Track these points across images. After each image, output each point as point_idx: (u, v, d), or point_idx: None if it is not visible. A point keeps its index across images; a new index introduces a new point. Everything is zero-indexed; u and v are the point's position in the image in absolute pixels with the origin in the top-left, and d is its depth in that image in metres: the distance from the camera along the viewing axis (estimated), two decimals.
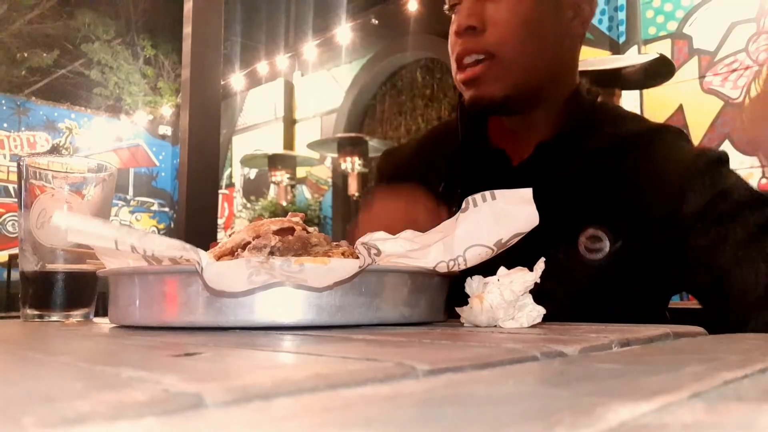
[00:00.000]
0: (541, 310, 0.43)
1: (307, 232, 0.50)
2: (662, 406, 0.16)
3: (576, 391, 0.18)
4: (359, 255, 0.43)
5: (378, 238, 0.44)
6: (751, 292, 0.64)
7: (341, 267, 0.40)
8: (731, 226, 0.67)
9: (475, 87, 0.77)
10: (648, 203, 0.71)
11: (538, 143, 0.77)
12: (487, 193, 0.44)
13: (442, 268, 0.45)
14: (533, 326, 0.43)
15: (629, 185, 0.73)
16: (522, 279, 0.42)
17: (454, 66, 0.80)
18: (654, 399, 0.17)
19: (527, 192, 0.44)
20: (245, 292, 0.39)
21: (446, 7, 0.80)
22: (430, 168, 0.87)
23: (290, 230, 0.49)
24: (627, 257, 0.70)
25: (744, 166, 3.09)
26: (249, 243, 0.47)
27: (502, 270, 0.45)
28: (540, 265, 0.43)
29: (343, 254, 0.46)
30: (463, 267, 0.45)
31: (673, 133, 0.78)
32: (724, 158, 0.73)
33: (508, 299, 0.42)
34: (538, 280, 0.43)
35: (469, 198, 0.45)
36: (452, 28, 0.78)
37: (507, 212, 0.43)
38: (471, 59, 0.76)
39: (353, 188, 4.20)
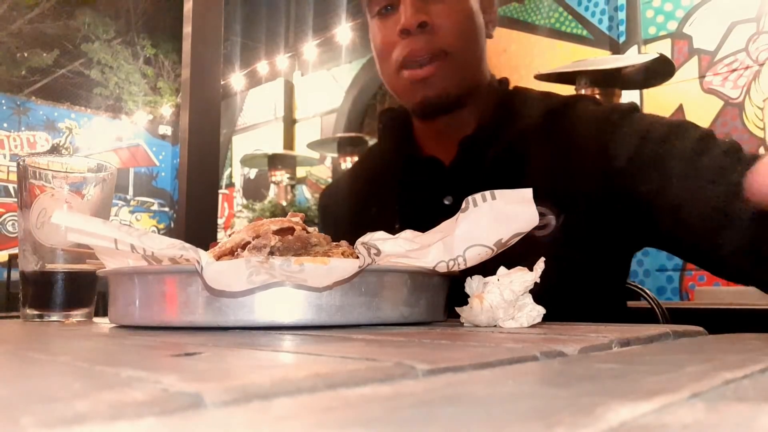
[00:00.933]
0: (541, 310, 0.43)
1: (307, 232, 0.50)
2: (662, 406, 0.16)
3: (576, 391, 0.18)
4: (359, 255, 0.43)
5: (378, 238, 0.44)
6: (709, 215, 0.63)
7: (341, 267, 0.40)
8: (667, 161, 0.67)
9: (430, 86, 0.77)
10: (579, 168, 0.73)
11: (460, 139, 0.79)
12: (487, 193, 0.44)
13: (442, 268, 0.45)
14: (533, 326, 0.43)
15: (557, 156, 0.75)
16: (522, 279, 0.42)
17: (393, 67, 0.79)
18: (654, 399, 0.17)
19: (527, 192, 0.44)
20: (245, 291, 0.39)
21: (377, 9, 0.80)
22: (368, 195, 0.89)
23: (290, 230, 0.49)
24: (578, 226, 0.71)
25: None
26: (249, 243, 0.46)
27: (501, 270, 0.45)
28: (540, 265, 0.43)
29: (342, 254, 0.46)
30: (462, 267, 0.45)
31: (584, 100, 0.82)
32: (634, 107, 0.76)
33: (507, 299, 0.42)
34: (538, 280, 0.43)
35: (469, 198, 0.45)
36: (385, 30, 0.79)
37: (507, 212, 0.43)
38: (425, 58, 0.76)
39: None
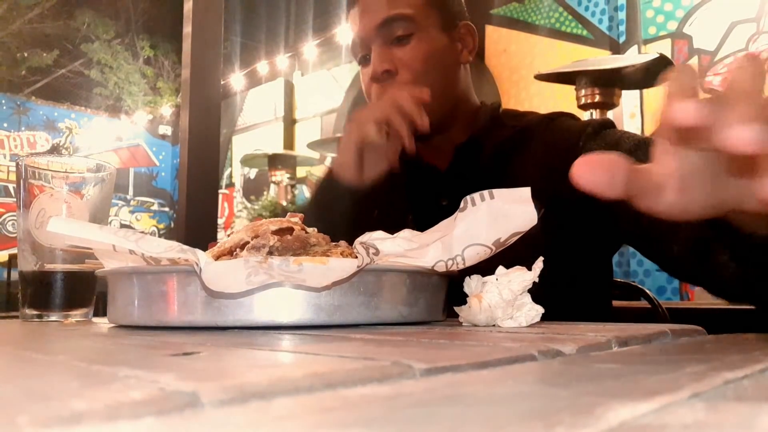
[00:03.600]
0: (539, 310, 0.43)
1: (306, 232, 0.50)
2: (662, 406, 0.16)
3: (576, 391, 0.18)
4: (358, 255, 0.43)
5: (376, 237, 0.44)
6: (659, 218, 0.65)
7: (340, 267, 0.40)
8: None
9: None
10: (558, 173, 0.76)
11: (454, 147, 0.88)
12: (486, 193, 0.44)
13: (441, 268, 0.44)
14: (531, 325, 0.43)
15: (539, 163, 0.82)
16: (520, 278, 0.42)
17: None
18: (654, 399, 0.16)
19: (525, 191, 0.44)
20: (244, 293, 0.39)
21: (358, 59, 0.93)
22: (370, 199, 0.94)
23: (289, 230, 0.49)
24: (560, 226, 0.77)
25: None
26: (247, 243, 0.46)
27: (500, 269, 0.45)
28: (539, 265, 0.43)
29: (341, 254, 0.46)
30: (461, 266, 0.45)
31: (566, 115, 0.91)
32: (609, 123, 0.85)
33: (506, 299, 0.42)
34: (537, 280, 0.43)
35: (468, 197, 0.45)
36: (367, 77, 0.90)
37: (505, 211, 0.43)
38: None
39: None
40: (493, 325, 0.44)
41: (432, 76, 0.86)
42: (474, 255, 0.44)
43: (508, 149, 0.86)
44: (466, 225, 0.43)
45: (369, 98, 0.92)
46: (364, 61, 0.91)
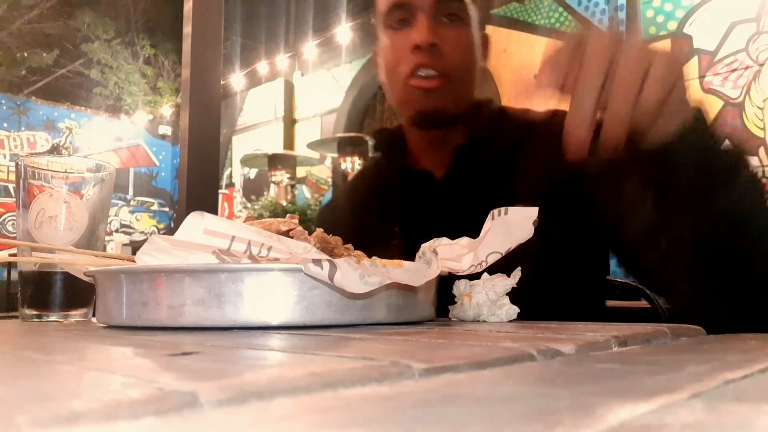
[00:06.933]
0: (516, 309, 0.51)
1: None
2: (662, 406, 0.16)
3: (576, 391, 0.18)
4: (427, 261, 0.48)
5: (441, 243, 0.51)
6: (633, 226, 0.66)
7: (419, 268, 0.45)
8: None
9: (429, 99, 0.84)
10: (552, 172, 0.78)
11: (455, 147, 0.87)
12: (502, 209, 0.52)
13: (471, 270, 0.52)
14: (529, 325, 0.45)
15: (537, 164, 0.81)
16: (503, 282, 0.52)
17: (401, 76, 0.86)
18: (654, 399, 0.16)
19: (534, 210, 0.52)
20: (367, 293, 0.40)
21: (387, 21, 0.87)
22: (367, 209, 0.96)
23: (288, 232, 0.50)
24: (556, 224, 0.76)
25: None
26: (284, 233, 0.49)
27: (485, 275, 0.53)
28: (517, 273, 0.52)
29: (357, 256, 0.49)
30: (484, 267, 0.52)
31: (561, 114, 0.87)
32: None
33: (492, 298, 0.51)
34: (515, 285, 0.52)
35: (493, 211, 0.53)
36: (400, 43, 0.85)
37: (516, 224, 0.51)
38: (426, 73, 0.84)
39: None
40: (479, 321, 0.51)
41: (465, 66, 0.86)
42: (492, 259, 0.52)
43: (508, 152, 0.85)
44: (491, 235, 0.52)
45: (390, 67, 0.88)
46: (401, 25, 0.86)
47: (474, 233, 0.53)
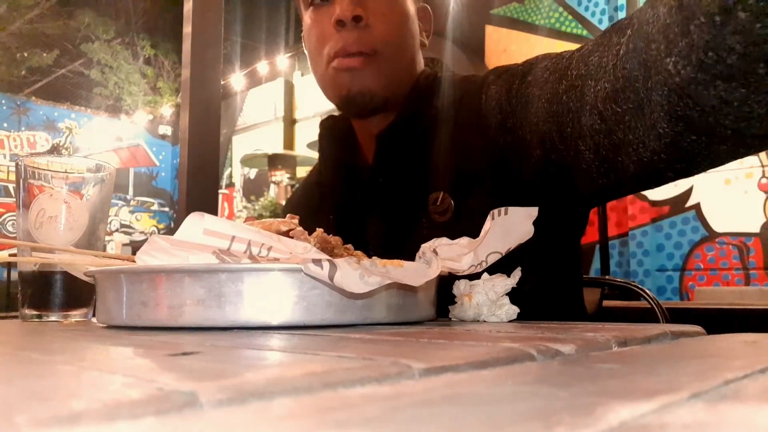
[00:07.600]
0: (516, 309, 0.51)
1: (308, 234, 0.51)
2: (662, 406, 0.16)
3: (576, 391, 0.18)
4: (426, 261, 0.47)
5: (441, 243, 0.51)
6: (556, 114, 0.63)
7: (419, 267, 0.45)
8: (528, 94, 0.68)
9: (355, 80, 0.76)
10: (482, 141, 0.73)
11: (377, 134, 0.79)
12: (502, 209, 0.53)
13: (471, 270, 0.52)
14: (529, 325, 0.45)
15: (465, 136, 0.75)
16: (503, 283, 0.51)
17: (324, 59, 0.77)
18: (654, 399, 0.16)
19: (533, 210, 0.52)
20: (367, 293, 0.40)
21: (308, 1, 0.80)
22: (321, 205, 0.88)
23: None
24: (508, 189, 0.71)
25: (744, 166, 3.09)
26: (284, 233, 0.49)
27: (485, 275, 0.53)
28: (517, 273, 0.52)
29: (355, 256, 0.49)
30: (484, 267, 0.52)
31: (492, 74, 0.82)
32: (500, 67, 0.78)
33: (492, 299, 0.51)
34: (515, 285, 0.51)
35: (494, 211, 0.52)
36: (323, 22, 0.77)
37: (515, 224, 0.52)
38: (355, 53, 0.75)
39: None
40: (479, 321, 0.51)
41: (397, 41, 0.78)
42: (492, 259, 0.52)
43: (433, 131, 0.77)
44: (491, 236, 0.52)
45: (315, 49, 0.79)
46: (319, 2, 0.78)
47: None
